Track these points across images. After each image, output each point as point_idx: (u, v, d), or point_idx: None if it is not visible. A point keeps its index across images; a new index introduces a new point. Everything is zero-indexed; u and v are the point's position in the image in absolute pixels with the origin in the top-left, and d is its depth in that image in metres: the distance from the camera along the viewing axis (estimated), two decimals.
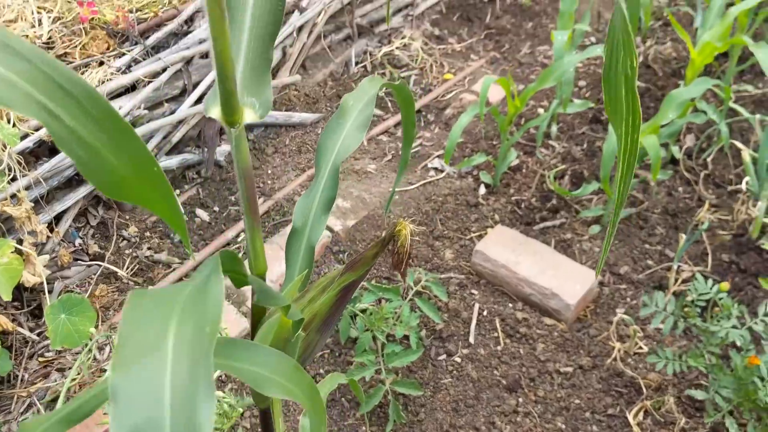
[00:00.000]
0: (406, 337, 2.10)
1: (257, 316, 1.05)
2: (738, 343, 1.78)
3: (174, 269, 2.49)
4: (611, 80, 0.75)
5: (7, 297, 1.87)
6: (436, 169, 2.85)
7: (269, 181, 2.81)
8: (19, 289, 2.28)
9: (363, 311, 2.12)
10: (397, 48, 3.44)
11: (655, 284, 2.32)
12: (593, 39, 3.53)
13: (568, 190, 2.59)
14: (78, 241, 2.53)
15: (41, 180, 2.25)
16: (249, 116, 0.82)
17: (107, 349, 2.17)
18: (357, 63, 3.37)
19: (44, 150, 2.40)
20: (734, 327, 1.78)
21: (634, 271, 2.37)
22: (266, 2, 0.82)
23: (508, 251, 2.34)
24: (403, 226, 0.90)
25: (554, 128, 2.93)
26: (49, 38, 2.63)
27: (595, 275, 2.23)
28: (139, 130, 2.53)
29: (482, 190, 2.71)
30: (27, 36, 2.62)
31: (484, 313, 2.26)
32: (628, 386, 2.03)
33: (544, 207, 2.62)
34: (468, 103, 3.18)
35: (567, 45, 2.51)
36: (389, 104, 3.21)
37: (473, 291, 2.33)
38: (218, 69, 0.76)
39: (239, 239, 2.59)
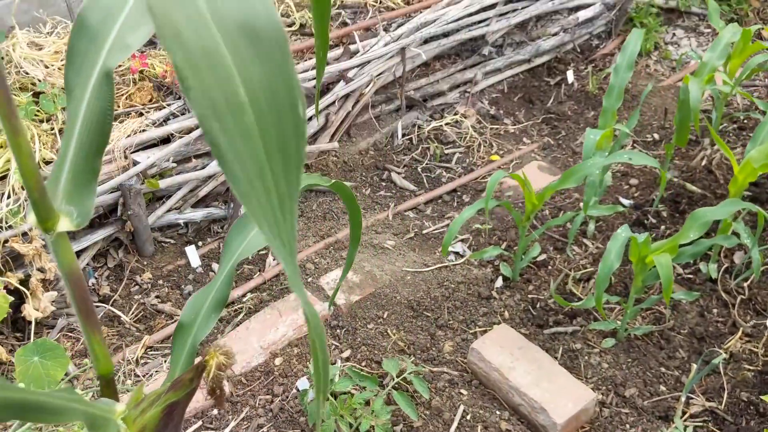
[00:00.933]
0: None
1: None
2: None
3: (176, 320, 2.51)
4: None
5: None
6: (456, 253, 2.75)
7: None
8: (24, 322, 2.36)
9: (336, 396, 2.04)
10: (447, 124, 3.40)
11: (661, 414, 2.11)
12: (655, 136, 3.36)
13: (580, 299, 2.43)
14: (92, 281, 2.61)
15: None
16: (64, 225, 0.80)
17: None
18: (403, 135, 3.35)
19: None
20: None
21: (642, 395, 2.17)
22: (94, 118, 0.81)
23: (506, 354, 2.20)
24: (211, 356, 0.85)
25: (591, 226, 2.78)
26: None
27: (591, 396, 2.06)
28: (167, 182, 2.61)
29: (499, 282, 2.59)
30: None
31: (468, 417, 2.13)
32: None
33: (561, 310, 2.46)
34: (507, 188, 3.09)
35: (601, 143, 2.38)
36: (424, 180, 3.16)
37: (462, 391, 2.21)
38: (23, 180, 0.75)
39: (244, 299, 2.59)
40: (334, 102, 3.01)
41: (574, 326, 2.39)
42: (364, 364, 2.29)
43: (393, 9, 3.51)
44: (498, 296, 2.54)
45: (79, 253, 2.57)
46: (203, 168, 2.73)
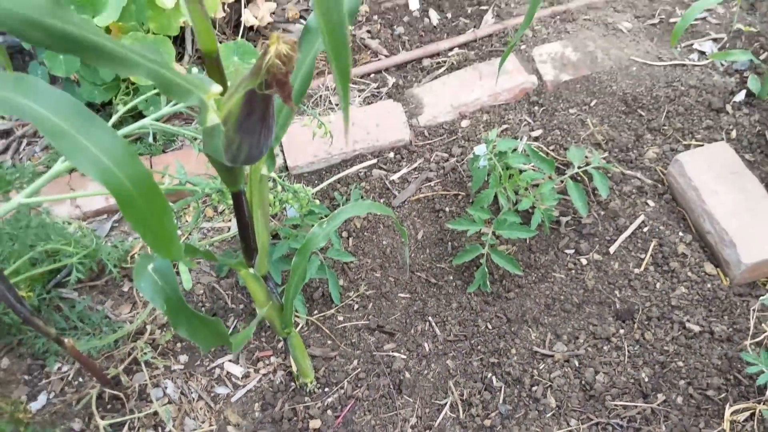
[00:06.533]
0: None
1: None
2: None
3: (380, 59, 2.47)
4: None
5: (213, 12, 2.04)
6: (701, 52, 2.33)
7: (512, 5, 2.56)
8: (240, 28, 2.47)
9: (506, 168, 1.93)
10: None
11: None
12: None
13: None
14: (311, 1, 2.62)
15: None
16: None
17: None
18: None
19: None
20: None
21: None
22: None
23: (712, 175, 1.90)
24: (272, 42, 0.75)
25: None
26: None
27: None
28: None
29: (740, 96, 2.17)
30: None
31: (645, 229, 1.93)
32: (751, 380, 1.63)
33: None
34: None
35: None
36: None
37: (649, 201, 1.98)
38: None
39: (450, 53, 2.46)
40: None
41: None
42: (552, 148, 2.13)
43: None
44: (732, 111, 2.14)
45: None
46: None
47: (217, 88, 0.92)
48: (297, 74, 1.09)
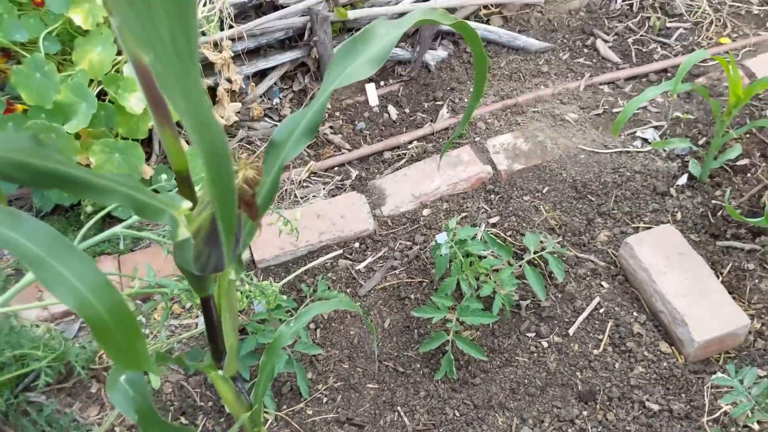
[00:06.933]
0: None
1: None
2: None
3: (343, 153, 2.58)
4: None
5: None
6: (644, 139, 2.48)
7: (466, 99, 2.71)
8: None
9: (467, 255, 2.01)
10: None
11: None
12: None
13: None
14: (276, 101, 2.74)
15: (245, 36, 2.44)
16: None
17: None
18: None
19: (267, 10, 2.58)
20: None
21: None
22: None
23: (661, 256, 2.00)
24: (240, 168, 0.83)
25: None
26: None
27: (746, 321, 1.83)
28: (356, 13, 2.59)
29: (682, 180, 2.31)
30: None
31: (601, 310, 2.01)
32: None
33: (745, 224, 2.16)
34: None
35: None
36: (633, 53, 2.82)
37: (603, 283, 2.07)
38: None
39: (410, 146, 2.58)
40: None
41: (754, 245, 2.10)
42: (509, 233, 2.22)
43: None
44: (676, 195, 2.27)
45: (267, 71, 2.69)
46: (396, 4, 2.66)
47: (187, 204, 0.99)
48: (262, 189, 1.16)
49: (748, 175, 2.31)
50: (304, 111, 1.14)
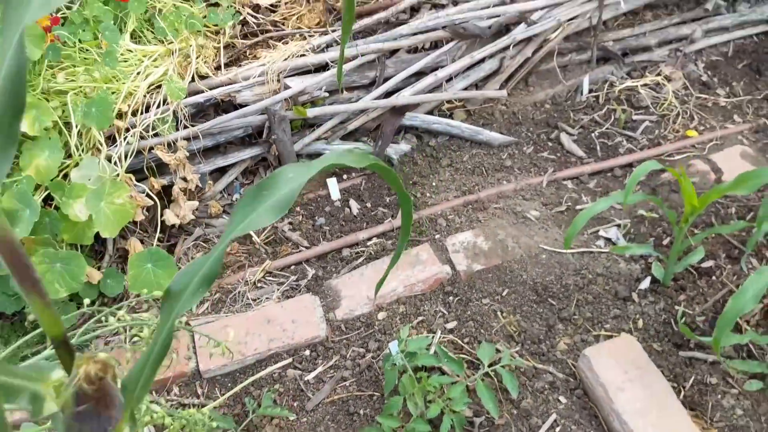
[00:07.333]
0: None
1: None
2: None
3: (301, 251, 2.53)
4: None
5: (111, 235, 2.08)
6: (607, 239, 2.42)
7: (428, 194, 2.67)
8: (164, 226, 2.52)
9: (417, 370, 1.93)
10: (644, 85, 2.95)
11: None
12: None
13: (738, 327, 2.02)
14: (236, 196, 2.70)
15: (200, 135, 2.42)
16: None
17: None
18: (590, 91, 2.98)
19: (228, 108, 2.57)
20: None
21: None
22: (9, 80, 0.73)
23: (619, 371, 1.92)
24: (80, 364, 0.76)
25: None
26: (277, 1, 2.78)
27: None
28: (315, 111, 2.57)
29: (645, 283, 2.25)
30: None
31: (557, 429, 1.91)
32: None
33: (709, 332, 2.08)
34: (696, 173, 2.62)
35: None
36: (598, 147, 2.79)
37: (561, 398, 1.98)
38: None
39: (369, 243, 2.52)
40: (508, 46, 2.73)
41: (716, 356, 2.01)
42: (466, 340, 2.14)
43: None
44: (638, 300, 2.20)
45: (226, 168, 2.66)
46: (356, 101, 2.65)
47: (57, 375, 0.92)
48: (150, 355, 1.09)
49: (713, 278, 2.25)
50: (203, 259, 1.08)
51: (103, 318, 1.55)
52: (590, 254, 2.37)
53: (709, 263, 2.28)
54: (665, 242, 2.38)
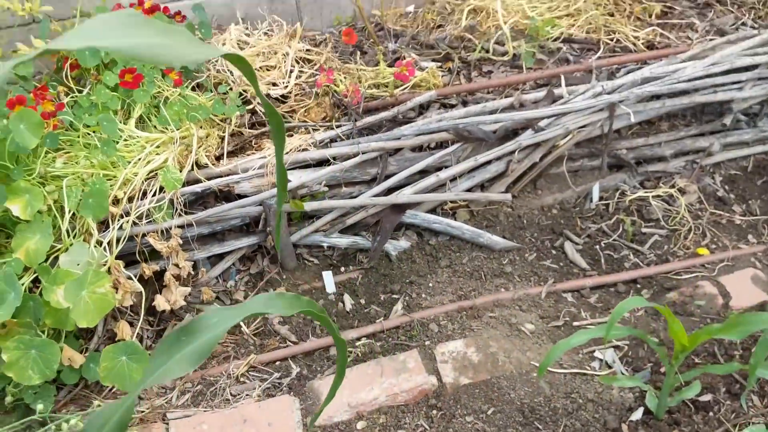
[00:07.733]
0: None
1: None
2: None
3: (288, 346, 2.48)
4: None
5: (91, 324, 2.07)
6: (602, 361, 2.32)
7: (423, 295, 2.61)
8: (154, 311, 2.50)
9: None
10: (656, 196, 2.88)
11: None
12: None
13: None
14: (231, 282, 2.69)
15: (194, 224, 2.42)
16: None
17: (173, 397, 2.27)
18: (600, 198, 2.91)
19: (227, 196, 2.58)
20: None
21: None
22: None
23: None
24: None
25: None
26: (288, 92, 2.81)
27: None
28: (314, 205, 2.56)
29: (638, 414, 2.13)
30: (275, 84, 2.83)
31: None
32: None
33: None
34: (704, 295, 2.52)
35: None
36: (602, 259, 2.71)
37: None
38: None
39: (357, 343, 2.46)
40: (514, 151, 2.70)
41: None
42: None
43: (630, 51, 3.05)
44: None
45: (224, 255, 2.65)
46: (357, 196, 2.64)
47: None
48: None
49: (710, 414, 2.12)
50: (117, 406, 1.05)
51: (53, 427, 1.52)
52: (583, 376, 2.27)
53: (708, 397, 2.17)
54: (663, 369, 2.27)
